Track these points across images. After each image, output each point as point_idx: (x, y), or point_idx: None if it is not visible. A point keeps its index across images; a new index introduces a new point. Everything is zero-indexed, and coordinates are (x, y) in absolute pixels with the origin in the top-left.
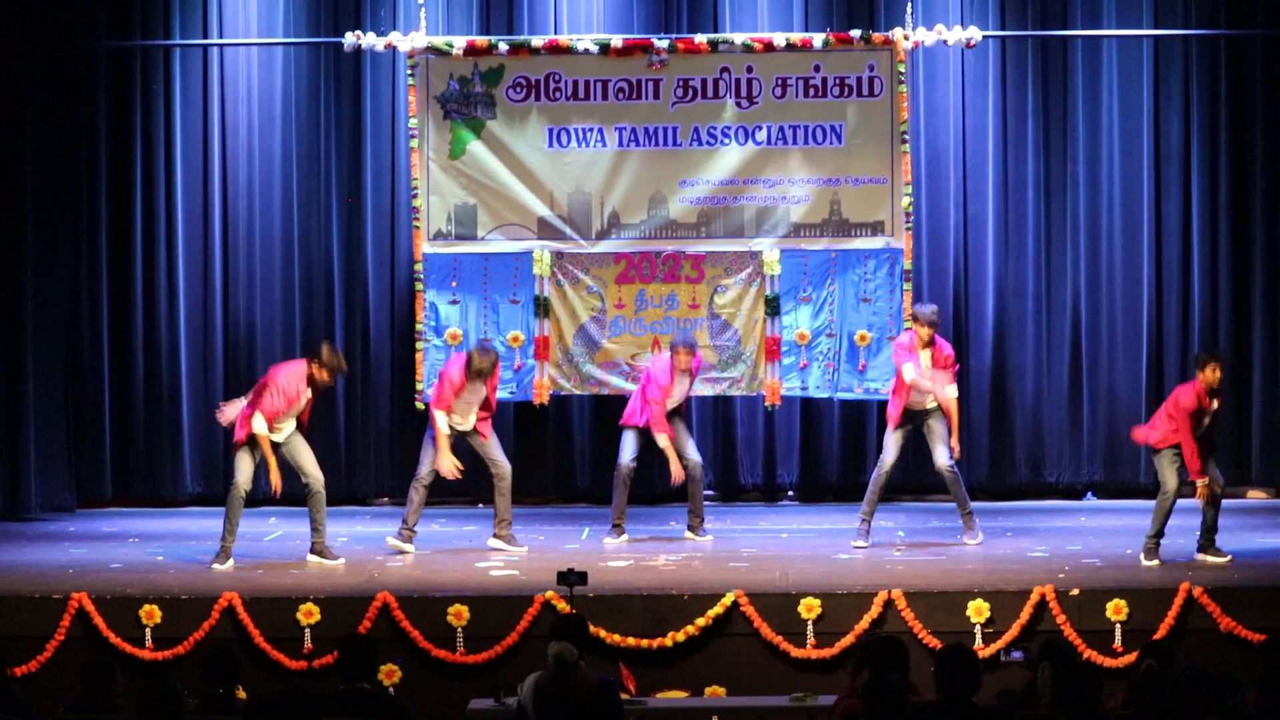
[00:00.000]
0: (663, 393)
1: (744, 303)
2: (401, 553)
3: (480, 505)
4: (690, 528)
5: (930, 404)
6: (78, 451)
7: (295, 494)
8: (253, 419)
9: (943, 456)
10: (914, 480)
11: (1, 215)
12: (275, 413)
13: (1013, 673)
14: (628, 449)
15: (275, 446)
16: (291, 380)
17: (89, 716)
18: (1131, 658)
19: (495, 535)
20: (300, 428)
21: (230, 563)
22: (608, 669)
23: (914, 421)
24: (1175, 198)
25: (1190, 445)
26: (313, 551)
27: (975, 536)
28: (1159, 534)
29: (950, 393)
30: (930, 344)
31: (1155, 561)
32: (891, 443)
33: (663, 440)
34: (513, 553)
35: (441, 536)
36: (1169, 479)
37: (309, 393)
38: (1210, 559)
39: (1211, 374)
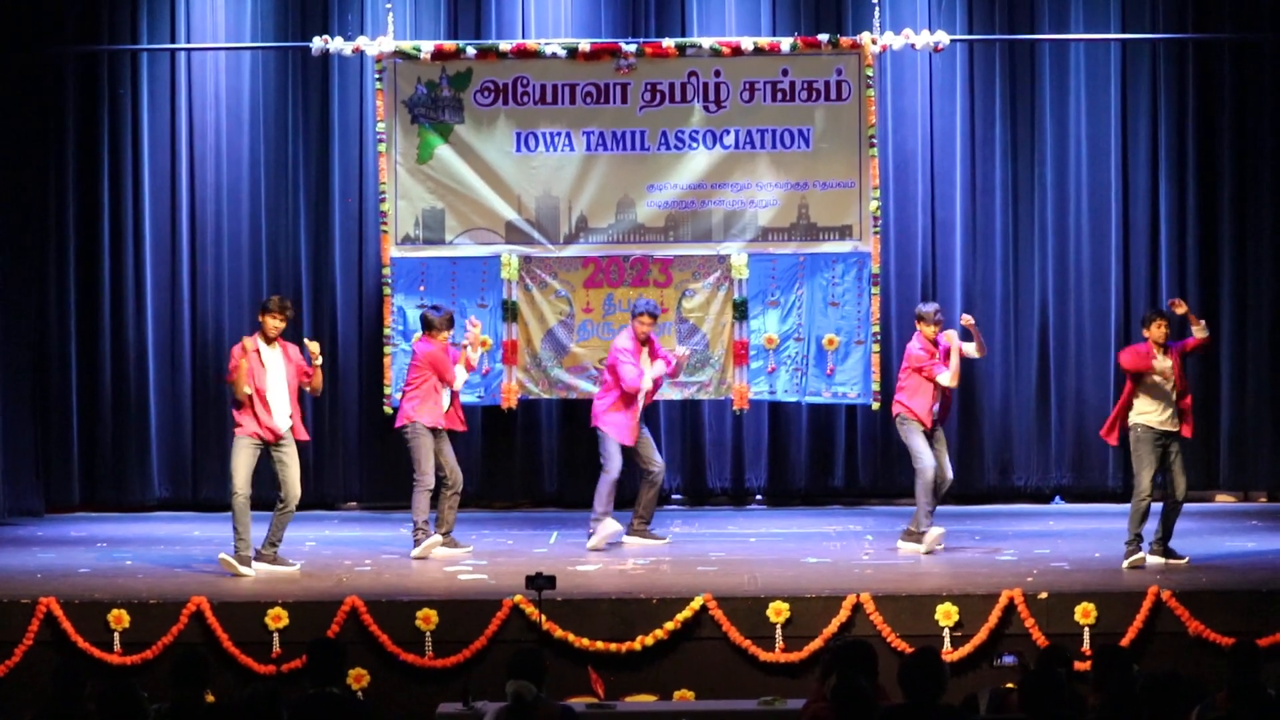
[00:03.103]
0: (634, 356)
1: (712, 307)
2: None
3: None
4: (635, 531)
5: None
6: (46, 456)
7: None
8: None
9: (948, 468)
10: (882, 484)
11: None
12: (240, 373)
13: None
14: (617, 457)
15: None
16: (243, 343)
17: None
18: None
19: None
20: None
21: (253, 567)
22: (576, 673)
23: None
24: (1143, 201)
25: (1123, 399)
26: (260, 559)
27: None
28: (1137, 538)
29: (970, 350)
30: (936, 342)
31: (1136, 558)
32: (925, 446)
33: (659, 368)
34: (460, 555)
35: (409, 540)
36: (1141, 480)
37: (268, 348)
38: (1168, 560)
39: (1156, 330)
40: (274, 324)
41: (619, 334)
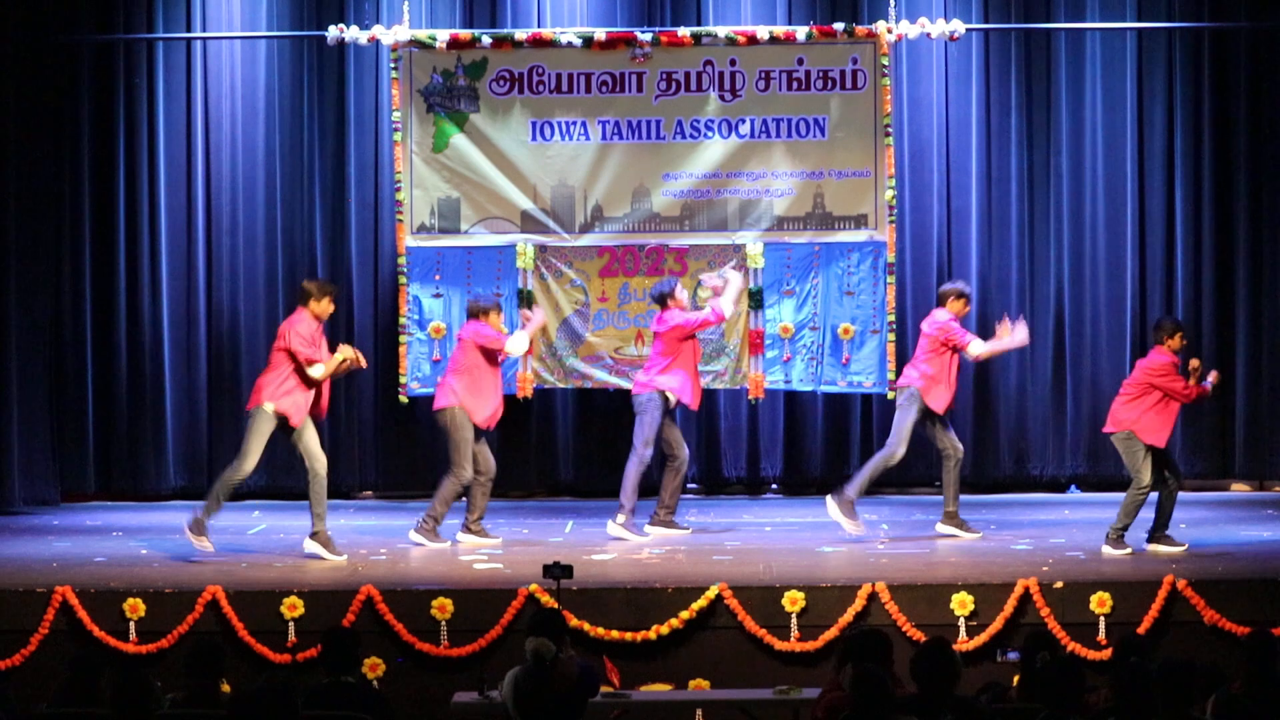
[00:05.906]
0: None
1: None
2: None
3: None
4: (660, 521)
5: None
6: (61, 445)
7: (279, 487)
8: (311, 367)
9: (956, 441)
10: (897, 473)
11: None
12: (313, 359)
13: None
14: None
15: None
16: (304, 324)
17: (74, 710)
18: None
19: (466, 529)
20: (317, 409)
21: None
22: (592, 662)
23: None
24: (1159, 190)
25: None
26: (315, 539)
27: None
28: (1126, 527)
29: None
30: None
31: (1124, 550)
32: (907, 432)
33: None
34: (491, 544)
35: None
36: (1144, 473)
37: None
38: (1163, 549)
39: (1179, 341)
40: (326, 311)
41: (662, 316)
